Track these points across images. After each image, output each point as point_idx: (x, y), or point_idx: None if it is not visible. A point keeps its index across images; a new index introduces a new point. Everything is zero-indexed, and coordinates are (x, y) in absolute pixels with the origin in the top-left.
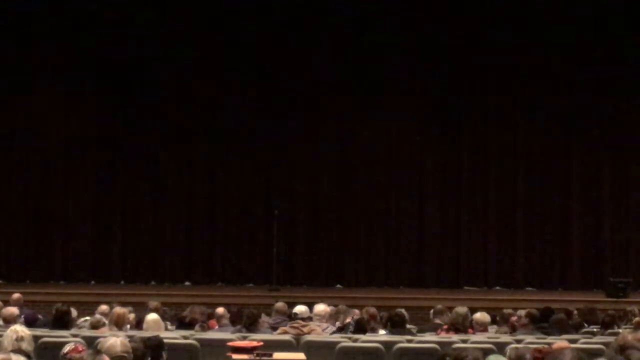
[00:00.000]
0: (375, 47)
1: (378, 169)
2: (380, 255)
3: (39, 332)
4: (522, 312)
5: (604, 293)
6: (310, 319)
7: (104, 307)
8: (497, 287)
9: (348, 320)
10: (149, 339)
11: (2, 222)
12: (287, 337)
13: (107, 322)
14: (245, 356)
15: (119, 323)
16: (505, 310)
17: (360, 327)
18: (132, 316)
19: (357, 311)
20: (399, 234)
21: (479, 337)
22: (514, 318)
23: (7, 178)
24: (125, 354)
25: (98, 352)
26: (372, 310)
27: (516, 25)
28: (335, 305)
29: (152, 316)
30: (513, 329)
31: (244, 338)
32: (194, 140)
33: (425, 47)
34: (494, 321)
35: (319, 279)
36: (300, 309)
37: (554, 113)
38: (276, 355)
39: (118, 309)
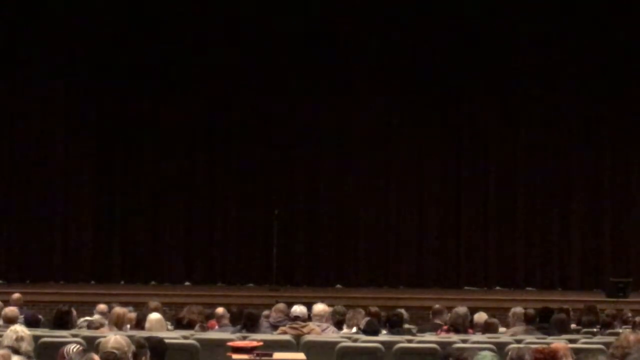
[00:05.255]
0: (375, 48)
1: (378, 169)
2: (380, 255)
3: (39, 332)
4: (516, 310)
5: (604, 293)
6: (309, 318)
7: (102, 307)
8: (497, 287)
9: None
10: (149, 338)
11: (2, 222)
12: (287, 337)
13: (106, 321)
14: (245, 356)
15: (118, 323)
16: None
17: (371, 327)
18: (132, 316)
19: (362, 311)
20: (399, 234)
21: (479, 337)
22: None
23: (7, 178)
24: (116, 351)
25: (87, 351)
26: (375, 310)
27: (516, 23)
28: (331, 305)
29: (155, 316)
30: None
31: (244, 338)
32: (193, 140)
33: (425, 46)
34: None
35: (319, 279)
36: (300, 310)
37: (555, 113)
38: (276, 355)
39: (117, 309)
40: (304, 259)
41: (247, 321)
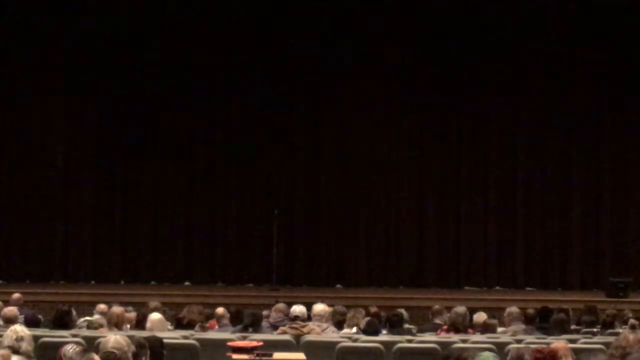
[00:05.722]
0: (375, 47)
1: (378, 169)
2: (380, 255)
3: (39, 332)
4: (511, 309)
5: (604, 293)
6: (309, 318)
7: (102, 307)
8: (497, 287)
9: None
10: (148, 338)
11: (2, 222)
12: (287, 337)
13: (106, 322)
14: (245, 356)
15: (118, 323)
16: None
17: (372, 327)
18: (132, 316)
19: (362, 311)
20: (399, 234)
21: (479, 337)
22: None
23: (7, 178)
24: (116, 351)
25: (87, 351)
26: (375, 310)
27: (516, 23)
28: (331, 305)
29: (156, 315)
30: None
31: (244, 338)
32: (193, 140)
33: (425, 46)
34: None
35: (319, 279)
36: (299, 310)
37: (555, 113)
38: (276, 355)
39: (115, 309)
40: (304, 259)
41: (250, 321)
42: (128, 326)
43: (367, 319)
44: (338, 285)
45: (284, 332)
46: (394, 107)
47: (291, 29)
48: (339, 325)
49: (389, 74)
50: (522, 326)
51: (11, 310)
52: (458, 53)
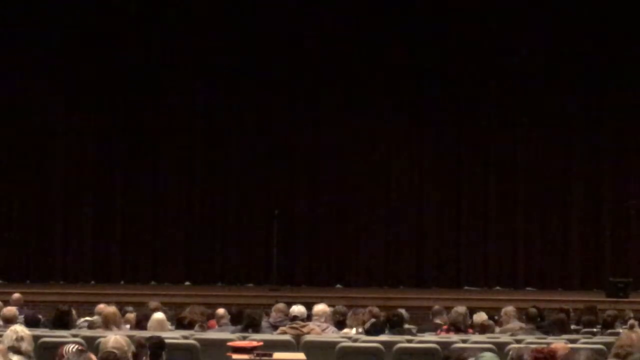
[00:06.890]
0: (375, 49)
1: (378, 169)
2: (380, 255)
3: (39, 332)
4: (507, 309)
5: (604, 293)
6: (309, 318)
7: (102, 306)
8: (497, 287)
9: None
10: (149, 338)
11: (2, 222)
12: (287, 337)
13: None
14: (245, 356)
15: (115, 322)
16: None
17: (375, 329)
18: (132, 316)
19: (363, 311)
20: (399, 234)
21: (479, 337)
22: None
23: (7, 178)
24: (116, 351)
25: (83, 351)
26: (375, 310)
27: (516, 26)
28: (332, 305)
29: (157, 315)
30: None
31: (244, 338)
32: (193, 140)
33: (424, 48)
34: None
35: (319, 279)
36: (298, 310)
37: (554, 113)
38: (276, 355)
39: (108, 308)
40: (304, 259)
41: (250, 321)
42: (128, 326)
43: (372, 320)
44: (338, 285)
45: (284, 332)
46: (394, 107)
47: (291, 31)
48: (339, 325)
49: (389, 74)
50: (519, 324)
51: (11, 310)
52: (458, 53)
